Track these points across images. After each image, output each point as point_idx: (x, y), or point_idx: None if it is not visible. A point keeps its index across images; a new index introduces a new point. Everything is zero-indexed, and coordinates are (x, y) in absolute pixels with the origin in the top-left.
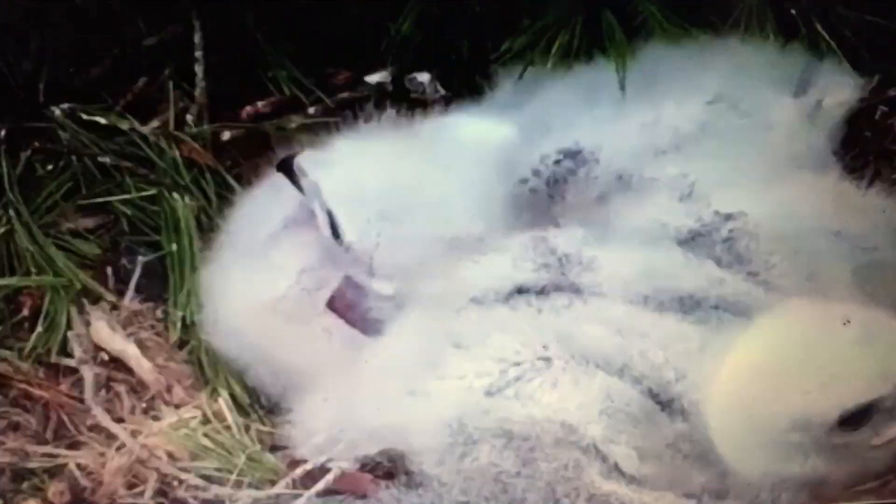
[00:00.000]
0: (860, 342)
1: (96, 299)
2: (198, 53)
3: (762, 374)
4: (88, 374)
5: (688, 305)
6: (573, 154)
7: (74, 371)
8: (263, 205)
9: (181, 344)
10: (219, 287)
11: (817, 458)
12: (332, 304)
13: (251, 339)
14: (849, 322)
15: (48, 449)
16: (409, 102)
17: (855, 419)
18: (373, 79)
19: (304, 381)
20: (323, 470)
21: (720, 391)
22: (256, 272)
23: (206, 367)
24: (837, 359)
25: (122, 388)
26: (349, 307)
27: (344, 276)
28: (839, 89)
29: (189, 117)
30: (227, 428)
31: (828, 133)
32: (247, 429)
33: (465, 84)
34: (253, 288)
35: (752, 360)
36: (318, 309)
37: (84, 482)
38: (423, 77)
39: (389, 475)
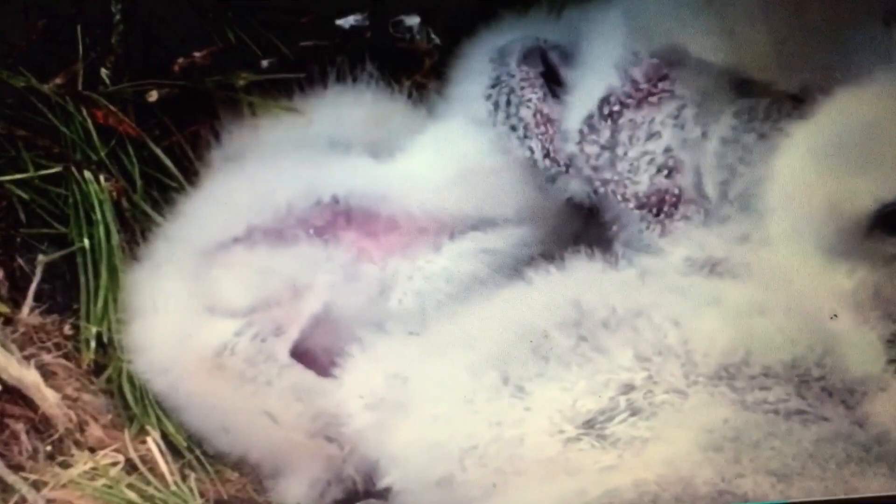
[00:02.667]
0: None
1: None
2: None
3: (814, 158)
4: None
5: None
6: None
7: None
8: (217, 202)
9: (97, 369)
10: (149, 302)
11: (865, 270)
12: (300, 351)
13: (189, 388)
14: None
15: None
16: (393, 54)
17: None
18: (346, 21)
19: (273, 464)
20: None
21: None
22: (193, 302)
23: (129, 398)
24: (880, 148)
25: (19, 427)
26: (322, 353)
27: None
28: None
29: (104, 72)
30: (159, 477)
31: None
32: (184, 478)
33: (466, 30)
34: (186, 327)
35: (808, 145)
36: (281, 361)
37: None
38: (412, 20)
39: None
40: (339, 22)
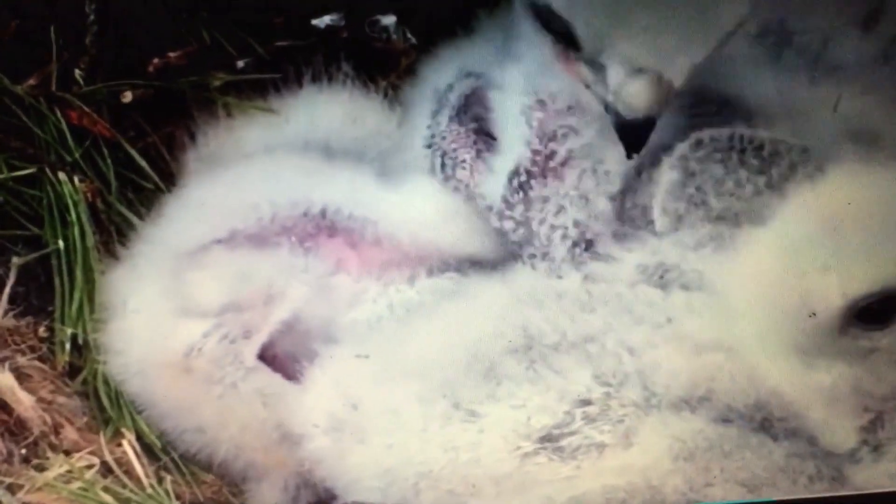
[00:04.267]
0: (870, 226)
1: None
2: None
3: (778, 259)
4: None
5: None
6: None
7: None
8: (200, 205)
9: (72, 371)
10: (124, 304)
11: (843, 365)
12: (266, 355)
13: (161, 390)
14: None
15: None
16: (369, 53)
17: (874, 315)
18: (321, 21)
19: (245, 466)
20: None
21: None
22: (167, 303)
23: (104, 400)
24: (845, 242)
25: None
26: (291, 357)
27: (291, 313)
28: None
29: (78, 73)
30: (135, 479)
31: None
32: (160, 480)
33: (442, 30)
34: (159, 328)
35: (773, 245)
36: (247, 363)
37: None
38: (388, 20)
39: None
40: (315, 22)
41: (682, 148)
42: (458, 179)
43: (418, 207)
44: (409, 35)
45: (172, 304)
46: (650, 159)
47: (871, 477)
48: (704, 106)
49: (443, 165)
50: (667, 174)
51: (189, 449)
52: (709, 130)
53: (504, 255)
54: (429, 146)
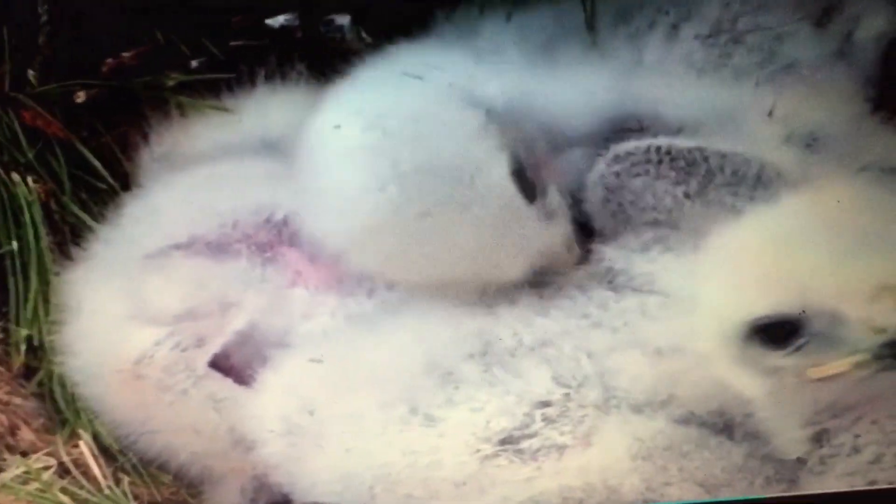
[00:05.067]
0: (780, 250)
1: None
2: None
3: (716, 274)
4: None
5: None
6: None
7: None
8: (160, 208)
9: (28, 373)
10: (81, 306)
11: (757, 378)
12: (219, 363)
13: (113, 395)
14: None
15: None
16: (323, 53)
17: (776, 335)
18: (276, 21)
19: (200, 470)
20: None
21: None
22: (122, 307)
23: (61, 402)
24: (757, 262)
25: None
26: (244, 364)
27: (247, 323)
28: (874, 18)
29: (31, 73)
30: (93, 480)
31: (861, 74)
32: (118, 481)
33: (398, 29)
34: (113, 333)
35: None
36: (199, 371)
37: None
38: (343, 20)
39: None
40: (269, 22)
41: (601, 165)
42: None
43: None
44: (364, 35)
45: (128, 309)
46: (575, 181)
47: (823, 484)
48: (630, 121)
49: None
50: (590, 191)
51: (145, 452)
52: (624, 145)
53: None
54: None
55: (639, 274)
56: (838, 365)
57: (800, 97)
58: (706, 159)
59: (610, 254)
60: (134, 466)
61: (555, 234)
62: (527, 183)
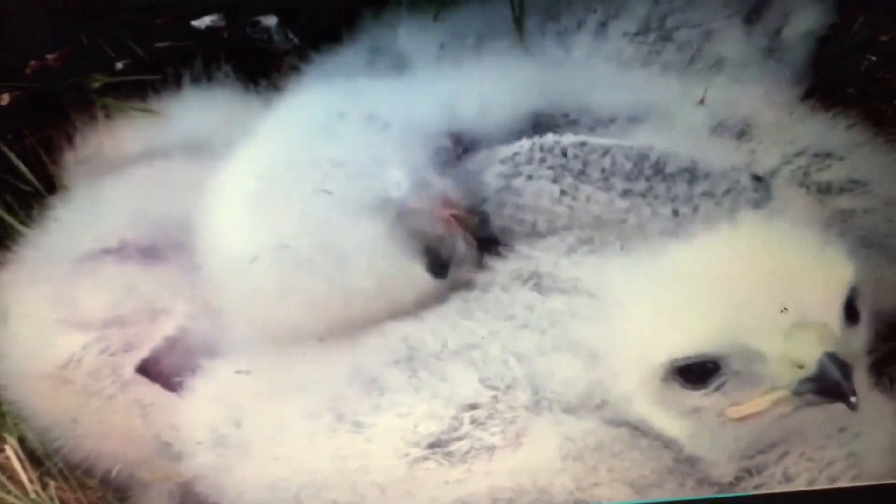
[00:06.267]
0: (696, 289)
1: None
2: None
3: (632, 316)
4: None
5: None
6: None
7: None
8: (92, 212)
9: None
10: (8, 309)
11: (678, 419)
12: (147, 369)
13: (40, 399)
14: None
15: None
16: (250, 54)
17: (694, 374)
18: (202, 22)
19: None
20: None
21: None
22: (51, 312)
23: None
24: (674, 302)
25: None
26: (173, 371)
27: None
28: (802, 15)
29: None
30: (19, 485)
31: (792, 74)
32: (44, 486)
33: (325, 31)
34: (41, 337)
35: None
36: (125, 376)
37: None
38: (270, 21)
39: None
40: (195, 23)
41: (493, 168)
42: None
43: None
44: (291, 36)
45: (56, 314)
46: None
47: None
48: (556, 116)
49: None
50: (491, 193)
51: (72, 457)
52: (511, 146)
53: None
54: None
55: (565, 277)
56: (758, 403)
57: (730, 89)
58: (591, 152)
59: (534, 256)
60: (61, 471)
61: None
62: (440, 264)
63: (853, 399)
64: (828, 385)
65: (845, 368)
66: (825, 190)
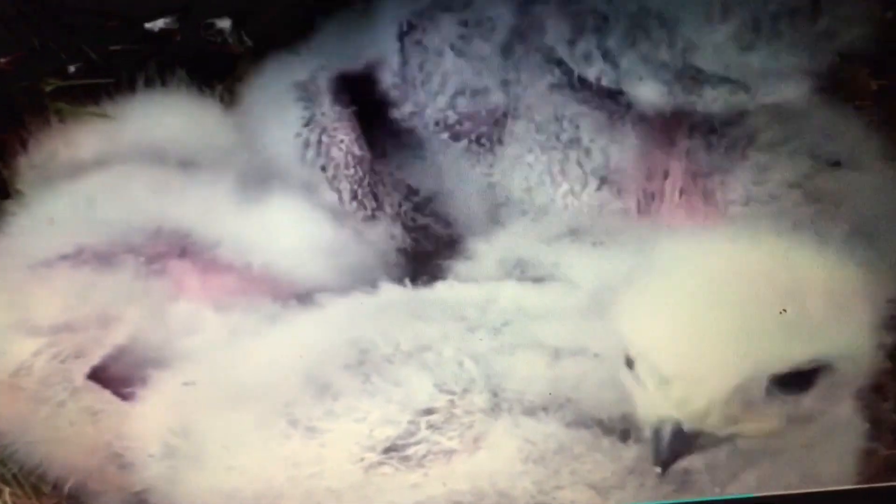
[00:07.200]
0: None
1: None
2: None
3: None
4: None
5: None
6: None
7: None
8: (47, 217)
9: None
10: None
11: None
12: (98, 376)
13: None
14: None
15: None
16: (204, 57)
17: None
18: (155, 25)
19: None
20: None
21: None
22: (4, 317)
23: None
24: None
25: None
26: (123, 380)
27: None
28: None
29: None
30: None
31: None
32: None
33: (281, 33)
34: None
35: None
36: (76, 383)
37: None
38: (224, 23)
39: None
40: (148, 26)
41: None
42: (331, 158)
43: (281, 233)
44: (245, 38)
45: (8, 319)
46: None
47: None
48: None
49: (319, 142)
50: None
51: (25, 463)
52: None
53: (351, 281)
54: (307, 124)
55: (547, 264)
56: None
57: None
58: None
59: (486, 251)
60: (14, 476)
61: None
62: None
63: (657, 469)
64: (654, 448)
65: (682, 442)
66: None
